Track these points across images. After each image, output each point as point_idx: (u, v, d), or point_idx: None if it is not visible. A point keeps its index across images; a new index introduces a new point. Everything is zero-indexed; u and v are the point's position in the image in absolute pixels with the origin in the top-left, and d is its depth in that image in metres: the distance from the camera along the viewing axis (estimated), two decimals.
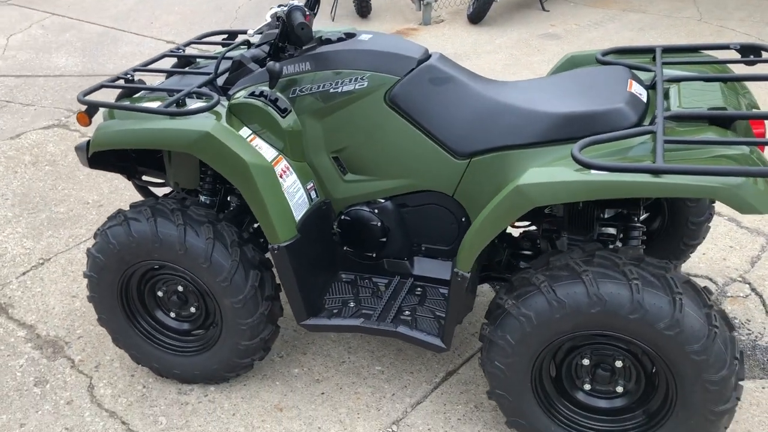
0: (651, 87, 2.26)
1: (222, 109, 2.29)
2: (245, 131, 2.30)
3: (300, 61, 2.37)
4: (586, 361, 2.06)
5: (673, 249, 2.82)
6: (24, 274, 3.26)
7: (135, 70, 2.59)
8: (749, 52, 2.46)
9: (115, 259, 2.35)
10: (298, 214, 2.31)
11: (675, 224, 2.78)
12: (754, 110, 2.15)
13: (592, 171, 1.82)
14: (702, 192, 1.73)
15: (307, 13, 2.41)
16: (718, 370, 1.86)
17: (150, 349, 2.51)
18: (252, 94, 2.35)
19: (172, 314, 2.51)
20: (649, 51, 2.55)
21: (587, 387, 2.10)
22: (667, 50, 2.53)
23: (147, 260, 2.33)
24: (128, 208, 2.36)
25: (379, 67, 2.32)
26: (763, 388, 2.45)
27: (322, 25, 6.71)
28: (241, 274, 2.27)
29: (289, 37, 2.40)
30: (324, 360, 2.67)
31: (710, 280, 3.03)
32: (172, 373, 2.54)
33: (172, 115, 2.20)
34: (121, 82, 2.53)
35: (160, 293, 2.47)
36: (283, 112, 2.34)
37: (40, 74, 5.88)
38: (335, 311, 2.37)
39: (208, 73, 2.49)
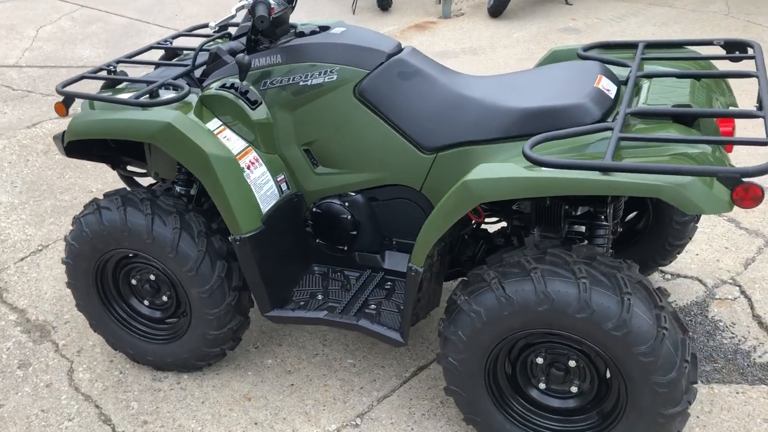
0: (625, 83, 2.22)
1: (193, 100, 2.33)
2: (215, 122, 2.33)
3: (271, 54, 2.39)
4: (540, 360, 2.04)
5: (659, 249, 2.76)
6: (22, 260, 3.35)
7: (118, 61, 2.64)
8: (734, 49, 2.40)
9: (88, 246, 2.41)
10: (266, 205, 2.33)
11: (659, 223, 2.72)
12: (718, 108, 2.09)
13: (542, 168, 1.80)
14: (647, 190, 1.70)
15: (283, 6, 2.42)
16: (666, 373, 1.82)
17: (125, 335, 2.57)
18: (223, 86, 2.37)
19: (146, 302, 2.56)
20: (632, 46, 2.50)
21: (542, 386, 2.08)
22: (650, 45, 2.48)
23: (118, 248, 2.38)
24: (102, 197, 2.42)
25: (348, 60, 2.32)
26: (737, 393, 2.39)
27: (343, 17, 6.75)
28: (208, 265, 2.30)
29: (262, 30, 2.42)
30: (298, 352, 2.69)
31: (699, 281, 2.96)
32: (146, 360, 2.59)
33: (142, 106, 2.24)
34: (104, 73, 2.58)
35: (133, 281, 2.52)
36: (253, 104, 2.36)
37: (63, 65, 6.03)
38: (302, 303, 2.39)
39: (187, 65, 2.53)
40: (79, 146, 2.52)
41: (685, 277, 3.00)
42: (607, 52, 2.53)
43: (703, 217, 3.41)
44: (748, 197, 1.63)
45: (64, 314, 2.96)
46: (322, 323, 2.32)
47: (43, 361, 2.71)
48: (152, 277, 2.47)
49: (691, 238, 2.77)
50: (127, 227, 2.30)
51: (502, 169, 1.84)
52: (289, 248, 2.44)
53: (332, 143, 2.37)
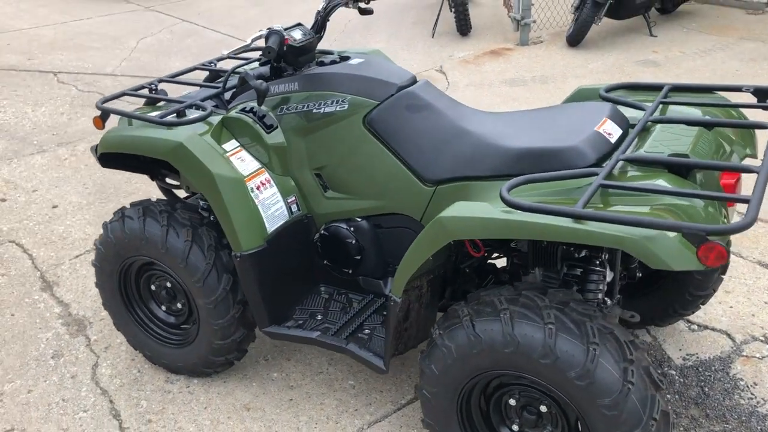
0: (658, 121, 2.17)
1: (214, 121, 2.47)
2: (232, 144, 2.46)
3: (289, 82, 2.50)
4: (513, 401, 2.02)
5: (680, 297, 2.66)
6: (77, 257, 3.62)
7: (160, 80, 2.82)
8: (765, 96, 2.31)
9: (112, 251, 2.59)
10: (272, 225, 2.43)
11: (680, 272, 2.62)
12: (718, 160, 2.01)
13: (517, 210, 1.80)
14: (611, 241, 1.67)
15: (309, 36, 2.52)
16: (630, 428, 1.77)
17: (143, 336, 2.73)
18: (243, 110, 2.50)
19: (163, 307, 2.72)
20: (658, 88, 2.45)
21: (515, 428, 2.06)
22: (676, 89, 2.42)
23: (138, 255, 2.55)
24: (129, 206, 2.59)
25: (359, 91, 2.39)
26: None
27: (422, 41, 6.84)
28: (214, 277, 2.42)
29: (285, 57, 2.53)
30: (303, 368, 2.77)
31: (728, 335, 2.82)
32: (161, 362, 2.74)
33: (165, 124, 2.40)
34: (145, 91, 2.77)
35: (153, 287, 2.68)
36: (269, 128, 2.48)
37: (153, 76, 6.42)
38: (300, 322, 2.47)
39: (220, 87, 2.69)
40: (114, 158, 2.71)
41: (713, 329, 2.87)
42: (631, 94, 2.49)
43: (747, 268, 3.25)
44: (712, 257, 1.58)
45: (101, 311, 3.17)
46: (314, 343, 2.39)
47: (74, 354, 2.92)
48: (168, 285, 2.62)
49: (715, 290, 2.66)
50: (144, 236, 2.46)
51: (476, 208, 1.86)
52: (294, 268, 2.53)
53: (341, 169, 2.45)
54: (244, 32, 7.64)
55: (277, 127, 2.50)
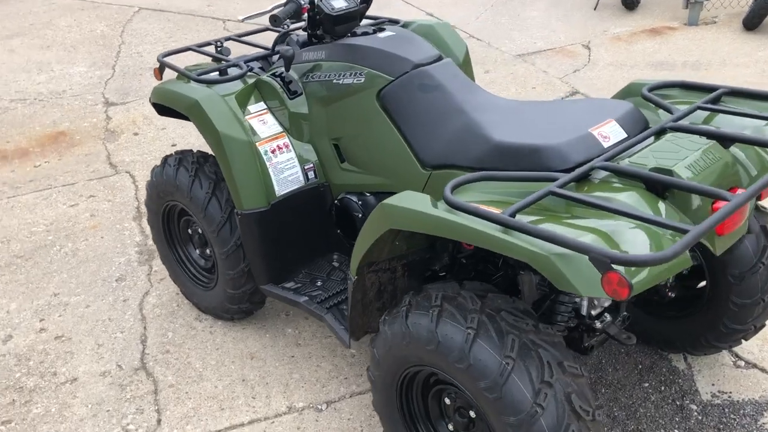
0: (655, 133, 1.95)
1: (247, 83, 2.57)
2: (260, 105, 2.56)
3: (318, 50, 2.53)
4: (448, 401, 1.96)
5: (713, 328, 2.38)
6: None
7: (227, 39, 2.98)
8: None
9: (155, 193, 2.83)
10: (283, 189, 2.50)
11: (716, 299, 2.34)
12: (694, 182, 1.75)
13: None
14: (524, 255, 1.55)
15: (352, 5, 2.53)
16: None
17: (180, 273, 2.97)
18: (273, 74, 2.58)
19: (197, 250, 2.93)
20: (711, 90, 2.17)
21: (450, 427, 2.00)
22: (733, 93, 2.14)
23: (172, 200, 2.76)
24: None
25: (376, 65, 2.37)
26: None
27: (580, 12, 6.46)
28: (227, 230, 2.57)
29: (323, 25, 2.56)
30: (316, 329, 2.86)
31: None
32: (192, 300, 2.97)
33: (199, 81, 2.55)
34: (210, 48, 2.94)
35: (189, 231, 2.89)
36: (293, 94, 2.54)
37: None
38: (298, 285, 2.55)
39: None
40: (167, 108, 2.90)
41: (763, 370, 2.53)
42: (686, 94, 2.23)
43: None
44: (614, 287, 1.42)
45: None
46: (299, 307, 2.46)
47: (134, 280, 3.25)
48: (200, 231, 2.82)
49: (758, 327, 2.34)
50: (175, 183, 2.66)
51: (418, 200, 1.79)
52: (303, 233, 2.59)
53: (354, 143, 2.46)
54: None
55: (301, 94, 2.55)
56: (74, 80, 5.62)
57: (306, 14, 2.55)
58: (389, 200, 1.83)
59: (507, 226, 1.57)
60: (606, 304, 2.13)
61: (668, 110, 2.07)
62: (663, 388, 2.50)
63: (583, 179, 1.81)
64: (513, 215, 1.60)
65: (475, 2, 7.12)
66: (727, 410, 2.38)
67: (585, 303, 2.07)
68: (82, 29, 6.78)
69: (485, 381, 1.69)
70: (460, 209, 1.66)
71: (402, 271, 2.20)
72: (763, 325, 2.38)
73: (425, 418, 2.07)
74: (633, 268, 1.46)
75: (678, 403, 2.43)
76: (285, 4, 2.46)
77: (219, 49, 2.90)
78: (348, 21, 2.56)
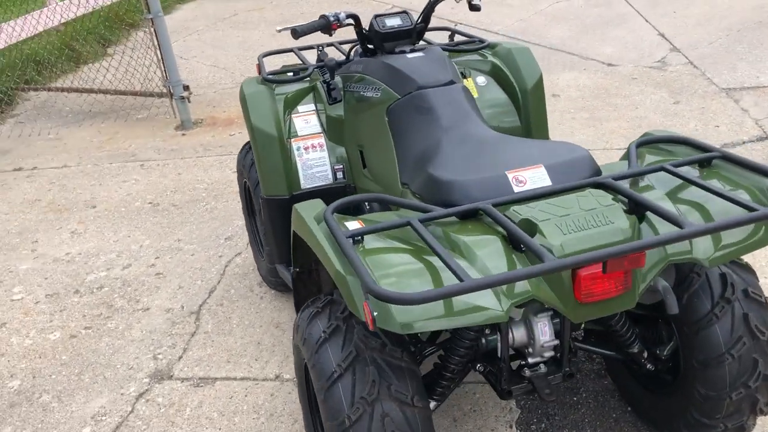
0: (597, 185, 1.87)
1: (308, 84, 2.89)
2: (309, 107, 2.87)
3: (359, 63, 2.75)
4: None
5: (684, 416, 2.15)
6: None
7: (329, 44, 3.32)
8: None
9: (238, 171, 3.29)
10: (309, 183, 2.79)
11: (684, 381, 2.11)
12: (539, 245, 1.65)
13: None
14: (333, 274, 1.67)
15: (404, 24, 2.70)
16: None
17: (254, 241, 3.41)
18: (323, 81, 2.86)
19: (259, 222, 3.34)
20: (706, 150, 1.99)
21: None
22: (726, 159, 1.94)
23: (244, 178, 3.20)
24: None
25: (390, 82, 2.53)
26: None
27: None
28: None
29: (372, 40, 2.76)
30: None
31: None
32: (258, 267, 3.40)
33: (268, 81, 2.92)
34: (313, 51, 3.30)
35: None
36: (333, 100, 2.79)
37: (529, 41, 6.73)
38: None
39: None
40: None
41: None
42: (675, 150, 2.08)
43: None
44: (369, 317, 1.50)
45: None
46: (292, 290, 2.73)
47: (236, 242, 3.78)
48: None
49: (731, 428, 2.06)
50: (243, 164, 3.09)
51: (310, 210, 1.95)
52: None
53: (369, 151, 2.65)
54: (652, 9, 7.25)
55: (340, 101, 2.79)
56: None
57: (355, 30, 2.78)
58: (299, 204, 2.03)
59: (339, 245, 1.70)
60: (546, 355, 2.07)
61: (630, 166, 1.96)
62: None
63: (468, 217, 1.83)
64: (353, 237, 1.71)
65: (720, 26, 6.49)
66: None
67: (500, 345, 2.04)
68: None
69: (319, 382, 1.83)
70: (329, 228, 1.79)
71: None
72: (742, 429, 2.09)
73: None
74: (401, 306, 1.51)
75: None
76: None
77: (320, 52, 3.25)
78: (397, 38, 2.73)
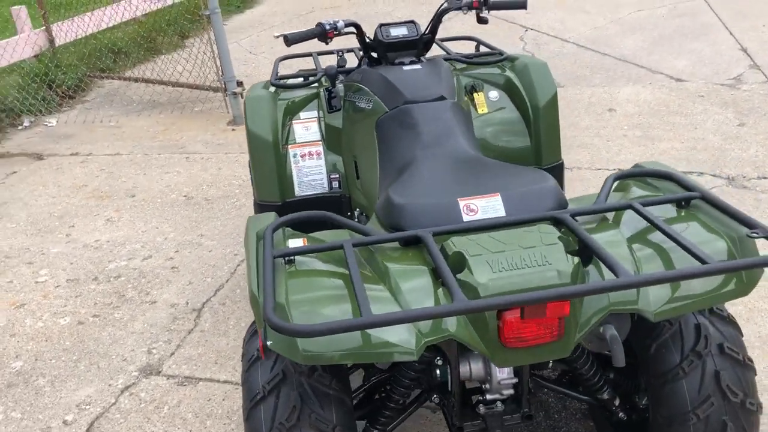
0: (553, 220, 1.75)
1: (315, 91, 2.86)
2: (312, 113, 2.83)
3: (359, 73, 2.68)
4: None
5: None
6: None
7: (349, 50, 3.27)
8: None
9: None
10: (304, 191, 2.76)
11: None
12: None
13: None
14: (249, 292, 1.63)
15: (410, 34, 2.63)
16: None
17: None
18: (327, 88, 2.82)
19: None
20: (689, 189, 1.82)
21: None
22: (705, 200, 1.77)
23: None
24: None
25: (381, 95, 2.46)
26: None
27: None
28: None
29: (376, 50, 2.70)
30: None
31: None
32: None
33: (274, 86, 2.91)
34: (333, 56, 3.25)
35: None
36: (331, 108, 2.75)
37: (597, 50, 6.46)
38: None
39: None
40: None
41: None
42: (663, 186, 1.91)
43: None
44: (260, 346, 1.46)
45: None
46: None
47: None
48: None
49: None
50: None
51: (258, 222, 1.91)
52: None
53: (360, 163, 2.59)
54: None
55: (339, 110, 2.74)
56: None
57: (357, 39, 2.71)
58: (253, 216, 2.00)
59: (259, 261, 1.66)
60: (504, 392, 1.96)
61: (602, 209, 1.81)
62: None
63: (411, 245, 1.74)
64: (283, 256, 1.67)
65: None
66: None
67: (450, 377, 1.95)
68: None
69: (244, 402, 1.79)
70: (264, 239, 1.76)
71: None
72: None
73: None
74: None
75: None
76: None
77: (339, 57, 3.21)
78: (401, 49, 2.66)
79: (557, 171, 2.82)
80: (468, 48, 3.24)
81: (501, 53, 2.96)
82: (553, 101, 2.78)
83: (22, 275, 3.68)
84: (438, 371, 1.95)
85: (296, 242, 1.81)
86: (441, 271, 1.53)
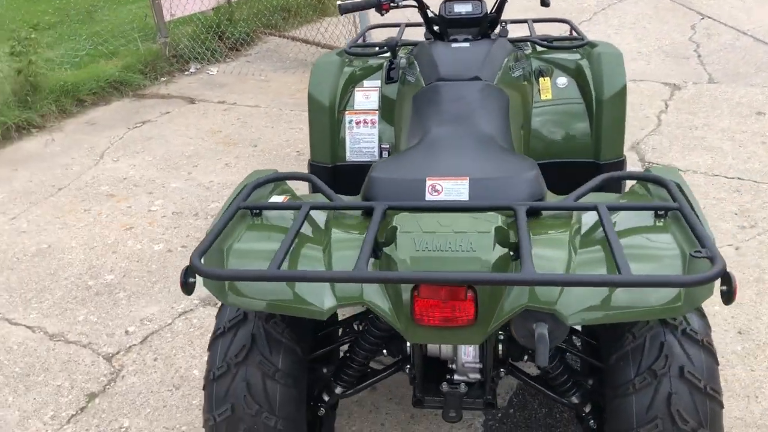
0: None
1: (382, 61, 2.94)
2: (376, 83, 2.91)
3: (416, 47, 2.72)
4: None
5: None
6: None
7: (408, 24, 3.29)
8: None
9: None
10: (355, 157, 2.86)
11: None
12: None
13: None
14: None
15: (477, 14, 2.63)
16: None
17: None
18: (389, 59, 2.88)
19: None
20: (673, 199, 1.73)
21: None
22: (682, 214, 1.69)
23: None
24: None
25: (423, 70, 2.51)
26: None
27: None
28: None
29: (439, 24, 2.71)
30: None
31: None
32: None
33: (347, 54, 3.01)
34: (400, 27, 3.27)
35: None
36: (390, 80, 2.81)
37: None
38: None
39: None
40: None
41: None
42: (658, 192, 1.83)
43: None
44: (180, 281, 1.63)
45: None
46: None
47: None
48: None
49: None
50: None
51: (255, 175, 2.05)
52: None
53: (396, 133, 2.65)
54: None
55: (396, 81, 2.80)
56: None
57: (419, 13, 2.74)
58: (255, 170, 2.15)
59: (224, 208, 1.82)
60: (471, 376, 2.00)
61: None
62: None
63: (370, 215, 1.80)
64: (243, 207, 1.80)
65: None
66: None
67: (412, 349, 2.00)
68: None
69: (209, 371, 1.89)
70: (243, 191, 1.90)
71: None
72: None
73: None
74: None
75: None
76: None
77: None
78: (463, 26, 2.66)
79: (617, 169, 2.68)
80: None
81: (582, 38, 2.85)
82: (621, 94, 2.64)
83: (140, 203, 4.16)
84: (407, 343, 2.01)
85: (278, 199, 1.94)
86: (365, 240, 1.59)
